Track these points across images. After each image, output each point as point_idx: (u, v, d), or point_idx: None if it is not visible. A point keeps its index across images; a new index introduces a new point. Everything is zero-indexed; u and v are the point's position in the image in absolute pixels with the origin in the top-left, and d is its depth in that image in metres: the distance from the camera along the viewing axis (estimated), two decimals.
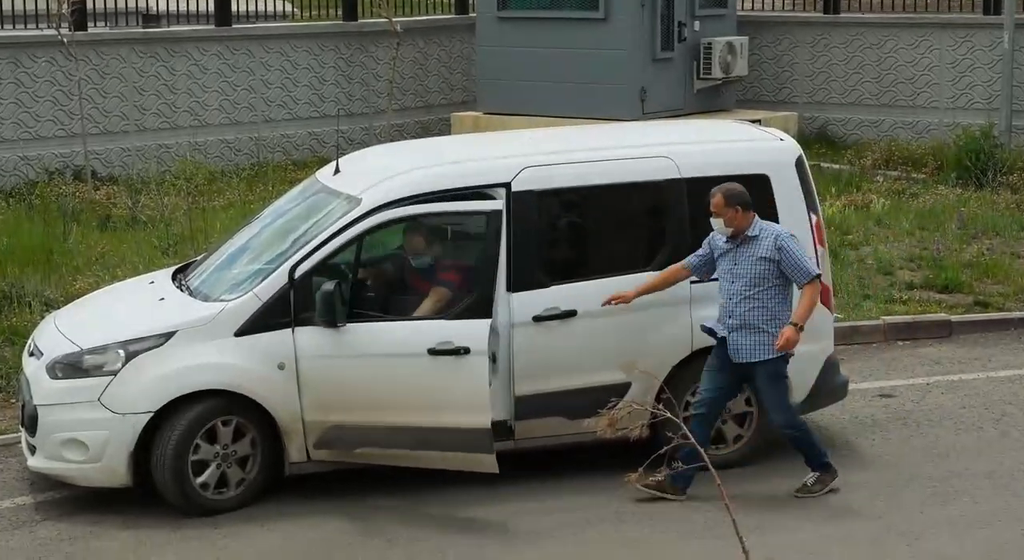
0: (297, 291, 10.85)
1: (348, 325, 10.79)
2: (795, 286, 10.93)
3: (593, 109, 22.11)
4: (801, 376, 11.48)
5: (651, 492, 10.73)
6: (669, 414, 8.36)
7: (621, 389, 11.09)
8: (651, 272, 11.33)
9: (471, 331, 10.69)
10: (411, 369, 10.74)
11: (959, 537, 10.38)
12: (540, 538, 10.41)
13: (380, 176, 11.44)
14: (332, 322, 10.75)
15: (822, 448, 11.13)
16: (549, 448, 11.37)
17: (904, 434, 12.47)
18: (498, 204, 11.01)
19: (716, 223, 10.92)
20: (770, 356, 10.83)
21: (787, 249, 10.81)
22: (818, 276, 10.90)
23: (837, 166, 23.05)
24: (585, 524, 10.60)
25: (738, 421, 11.65)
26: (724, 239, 10.95)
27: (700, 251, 11.14)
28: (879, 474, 11.51)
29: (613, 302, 11.09)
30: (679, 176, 11.51)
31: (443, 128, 24.61)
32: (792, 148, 12.01)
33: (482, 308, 10.84)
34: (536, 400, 11.16)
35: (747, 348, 10.84)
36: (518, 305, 11.08)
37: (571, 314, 11.20)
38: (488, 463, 10.73)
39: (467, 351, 10.64)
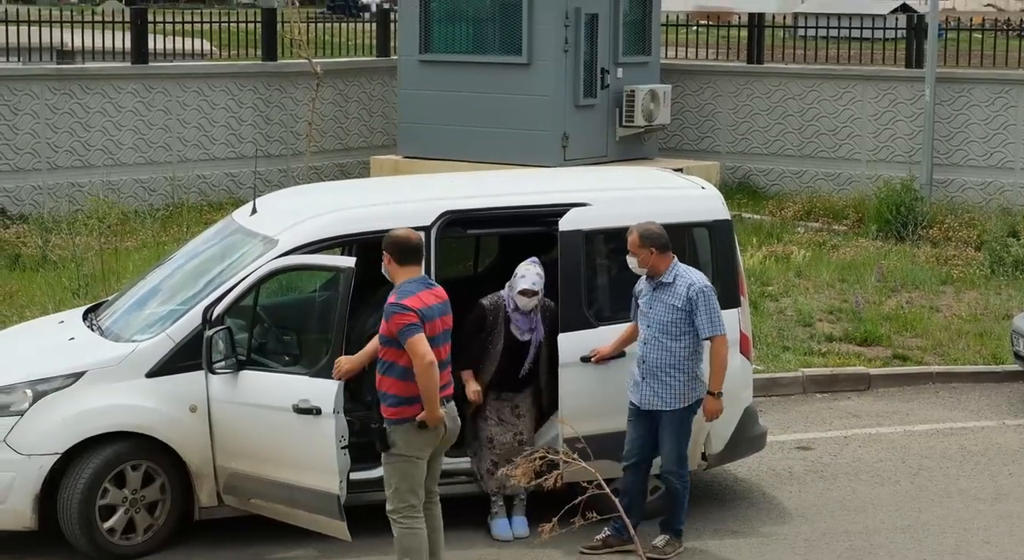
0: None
1: (242, 372, 10.69)
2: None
3: (515, 155, 22.15)
4: (720, 425, 11.52)
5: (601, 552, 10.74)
6: (581, 462, 8.40)
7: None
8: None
9: (323, 390, 10.35)
10: (281, 423, 10.52)
11: None
12: None
13: (299, 217, 11.40)
14: (210, 368, 10.67)
15: (684, 516, 11.00)
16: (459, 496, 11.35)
17: (821, 487, 12.54)
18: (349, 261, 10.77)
19: (631, 261, 10.83)
20: (677, 406, 10.76)
21: (696, 301, 10.71)
22: (723, 335, 10.80)
23: (759, 216, 23.21)
24: None
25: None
26: (646, 282, 10.87)
27: (632, 299, 11.10)
28: (796, 527, 11.56)
29: (593, 359, 11.08)
30: (597, 227, 11.51)
31: (362, 171, 24.60)
32: (714, 196, 12.05)
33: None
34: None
35: (655, 396, 10.75)
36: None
37: None
38: (338, 529, 10.41)
39: (319, 412, 10.32)
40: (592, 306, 11.31)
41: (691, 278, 10.77)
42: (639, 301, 10.91)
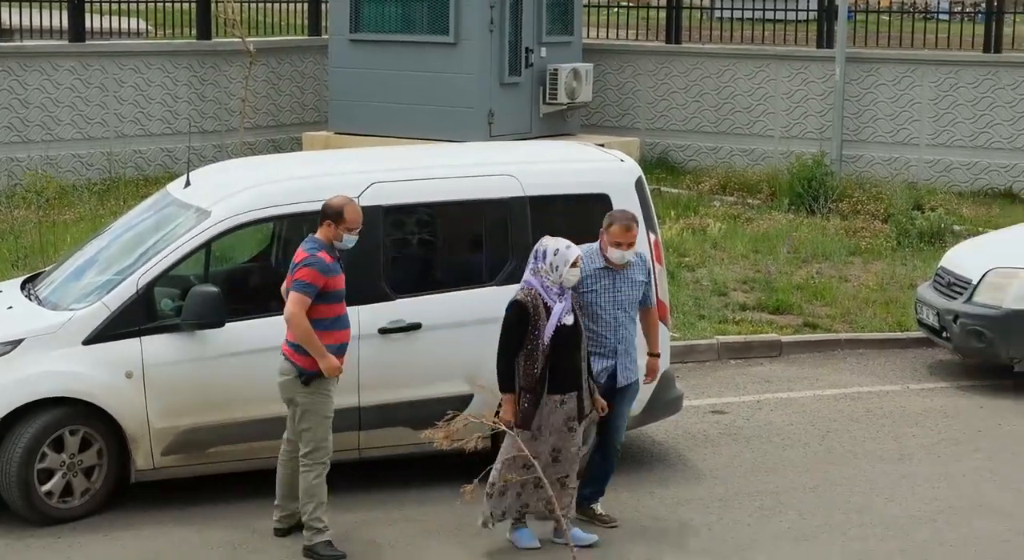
0: (145, 301, 10.76)
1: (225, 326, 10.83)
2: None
3: (442, 131, 22.10)
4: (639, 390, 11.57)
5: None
6: (504, 427, 8.40)
7: (464, 401, 11.09)
8: (494, 287, 11.33)
9: None
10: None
11: (785, 550, 10.51)
12: (380, 549, 10.37)
13: (231, 190, 11.38)
14: (219, 322, 10.77)
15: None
16: (394, 458, 11.35)
17: (735, 449, 12.60)
18: None
19: (623, 254, 10.48)
20: (638, 378, 10.83)
21: (649, 273, 10.74)
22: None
23: (676, 190, 23.27)
24: (427, 535, 10.58)
25: None
26: (598, 265, 10.53)
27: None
28: (710, 488, 11.62)
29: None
30: (523, 194, 11.55)
31: (295, 147, 24.48)
32: (632, 169, 12.11)
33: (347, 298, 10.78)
34: (381, 411, 11.13)
35: (629, 371, 10.65)
36: (365, 317, 11.05)
37: (416, 327, 11.20)
38: (350, 440, 11.01)
39: None
40: (390, 279, 11.29)
41: (639, 253, 10.73)
42: (592, 288, 10.47)
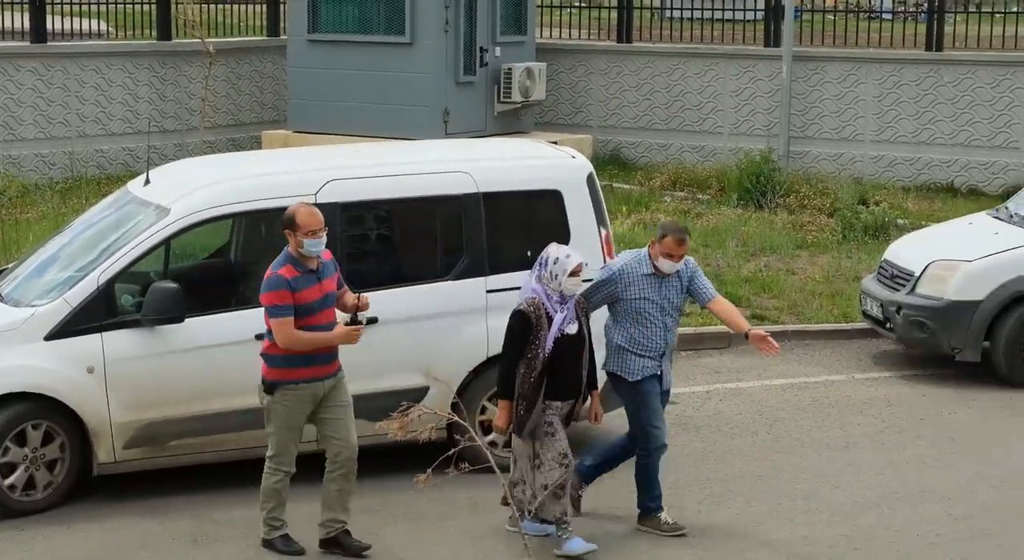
0: (106, 297, 10.73)
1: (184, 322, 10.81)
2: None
3: (399, 129, 22.05)
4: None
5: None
6: (458, 418, 8.41)
7: (420, 393, 11.10)
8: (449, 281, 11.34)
9: None
10: (241, 355, 10.71)
11: (734, 535, 10.55)
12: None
13: (190, 187, 11.37)
14: (179, 318, 10.74)
15: None
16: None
17: (685, 439, 12.64)
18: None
19: (675, 265, 10.33)
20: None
21: (695, 271, 10.56)
22: None
23: (628, 186, 23.30)
24: (383, 524, 10.57)
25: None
26: (646, 271, 10.35)
27: (596, 293, 10.44)
28: (661, 476, 11.62)
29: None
30: (476, 190, 11.57)
31: (254, 145, 24.39)
32: (584, 165, 12.15)
33: None
34: None
35: (670, 373, 10.63)
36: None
37: (373, 321, 11.15)
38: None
39: None
40: (348, 274, 11.19)
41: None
42: (643, 295, 10.31)
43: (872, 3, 29.10)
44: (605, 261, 11.73)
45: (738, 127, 25.04)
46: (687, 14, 27.87)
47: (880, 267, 15.47)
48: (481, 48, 23.48)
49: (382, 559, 10.03)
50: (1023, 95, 23.35)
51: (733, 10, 27.13)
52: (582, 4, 30.42)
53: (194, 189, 11.30)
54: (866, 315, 15.28)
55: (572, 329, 9.96)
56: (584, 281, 10.20)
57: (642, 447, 10.52)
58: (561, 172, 12.00)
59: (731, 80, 25.15)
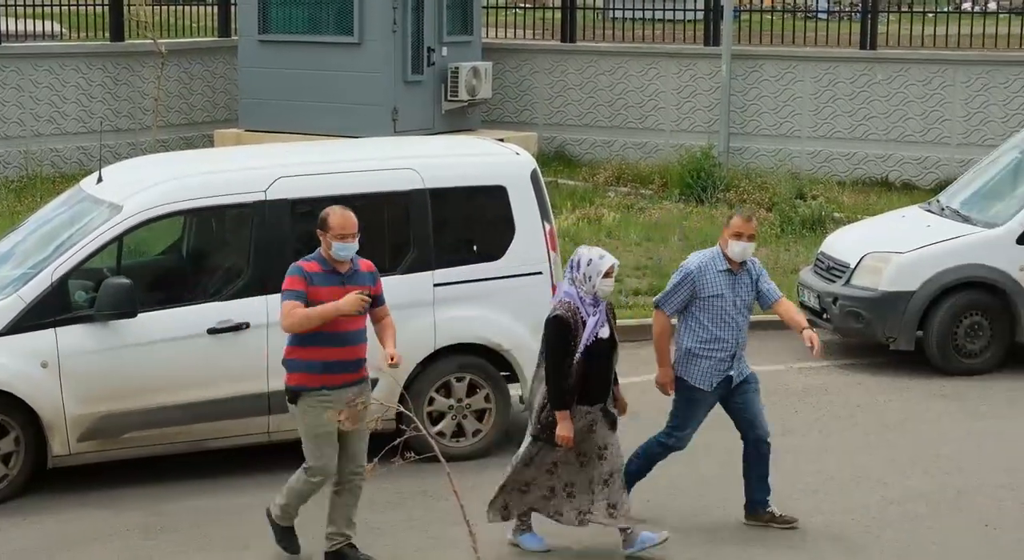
0: (60, 293, 10.67)
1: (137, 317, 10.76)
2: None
3: (349, 128, 21.99)
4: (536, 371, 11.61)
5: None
6: (403, 409, 8.42)
7: (372, 385, 11.06)
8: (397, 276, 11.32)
9: (246, 308, 10.97)
10: (193, 348, 10.80)
11: (675, 520, 10.57)
12: (300, 528, 10.29)
13: (142, 185, 11.33)
14: (132, 313, 10.68)
15: None
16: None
17: (628, 427, 12.50)
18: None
19: (745, 247, 10.10)
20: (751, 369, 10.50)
21: (761, 271, 10.35)
22: None
23: (573, 182, 23.33)
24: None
25: (477, 416, 11.75)
26: (721, 267, 10.16)
27: (674, 295, 10.24)
28: None
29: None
30: (423, 187, 11.56)
31: (207, 144, 24.28)
32: (528, 162, 12.16)
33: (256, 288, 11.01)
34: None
35: (744, 364, 10.36)
36: (273, 306, 10.95)
37: None
38: (260, 425, 11.01)
39: (247, 326, 10.89)
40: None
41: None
42: (720, 292, 10.13)
43: (808, 3, 29.21)
44: (550, 255, 11.76)
45: (679, 124, 25.10)
46: (629, 14, 27.93)
47: (817, 259, 15.55)
48: (428, 48, 23.48)
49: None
50: (954, 92, 23.51)
51: (674, 10, 27.20)
52: (527, 5, 30.43)
53: (146, 187, 11.26)
54: (803, 306, 15.34)
55: (604, 333, 9.62)
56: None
57: (661, 440, 10.49)
58: (506, 168, 12.02)
59: (672, 78, 25.21)
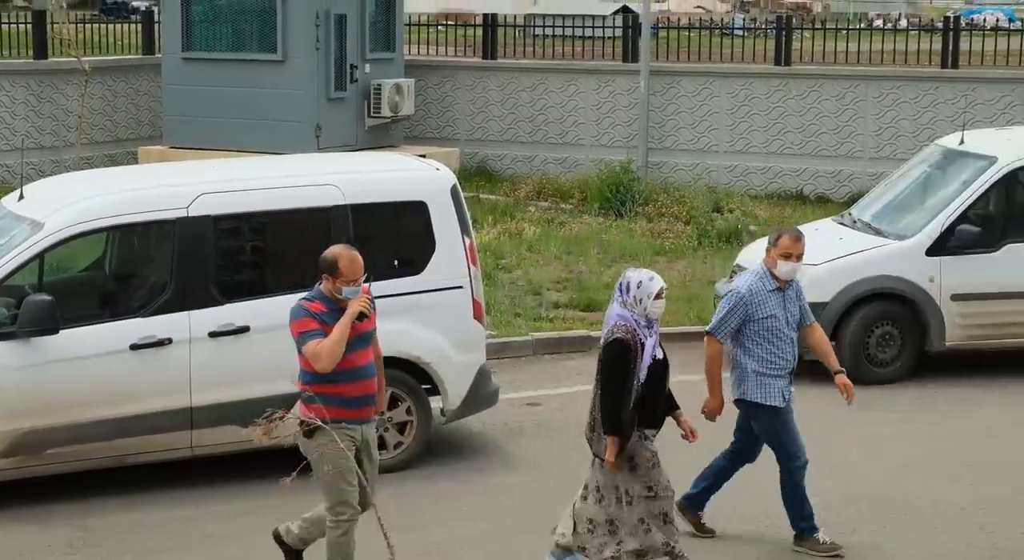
0: None
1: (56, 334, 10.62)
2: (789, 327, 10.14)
3: (273, 144, 21.90)
4: (456, 384, 11.62)
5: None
6: (320, 422, 8.37)
7: (291, 400, 10.97)
8: None
9: (168, 324, 10.88)
10: (115, 364, 10.68)
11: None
12: (214, 542, 10.26)
13: (63, 202, 11.21)
14: (54, 329, 10.55)
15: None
16: (227, 455, 11.23)
17: (549, 439, 12.65)
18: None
19: (793, 267, 9.95)
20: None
21: (801, 292, 10.20)
22: None
23: (494, 197, 23.35)
24: (259, 528, 10.45)
25: (399, 429, 11.71)
26: (771, 287, 9.98)
27: (728, 321, 10.05)
28: (525, 475, 11.66)
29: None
30: (344, 202, 11.51)
31: (131, 161, 24.07)
32: (448, 177, 12.13)
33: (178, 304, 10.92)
34: (212, 410, 11.02)
35: (793, 385, 10.21)
36: (196, 321, 10.95)
37: (244, 330, 11.11)
38: (182, 439, 10.90)
39: (169, 341, 10.80)
40: (219, 284, 11.19)
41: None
42: (773, 313, 9.96)
43: (725, 20, 29.37)
44: (469, 269, 11.73)
45: (599, 139, 25.17)
46: (550, 31, 28.00)
47: (733, 271, 15.59)
48: (351, 65, 23.44)
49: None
50: (866, 107, 23.73)
51: (593, 27, 27.31)
52: (449, 22, 30.41)
53: (68, 203, 11.14)
54: None
55: (660, 354, 9.25)
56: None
57: (789, 467, 10.13)
58: (426, 184, 11.98)
59: (592, 94, 25.29)
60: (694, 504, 10.52)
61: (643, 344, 9.10)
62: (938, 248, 14.47)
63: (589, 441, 9.39)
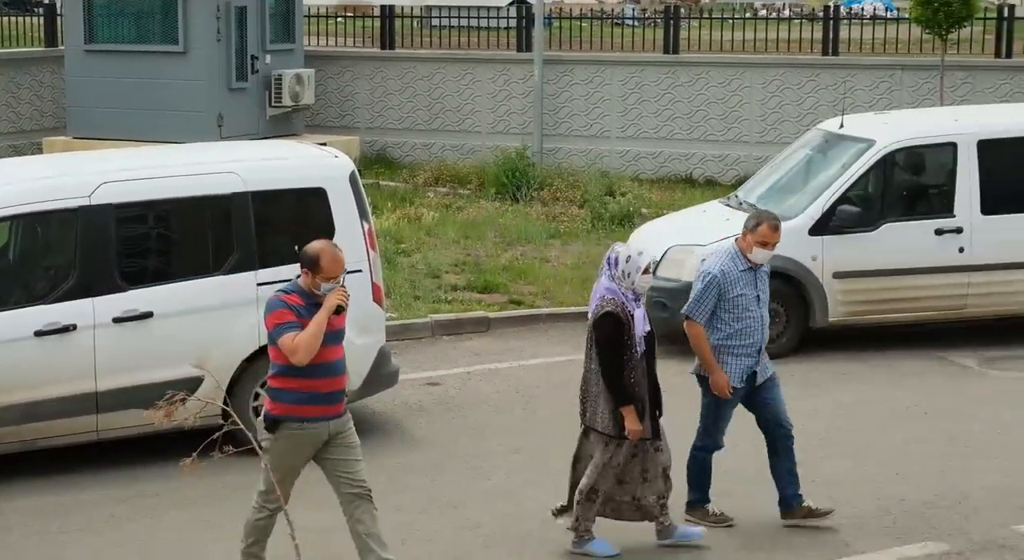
0: None
1: None
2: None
3: (176, 134, 21.70)
4: (357, 365, 11.57)
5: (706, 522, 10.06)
6: (220, 404, 8.34)
7: (195, 383, 10.93)
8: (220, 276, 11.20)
9: (73, 310, 10.79)
10: (20, 351, 10.59)
11: (494, 505, 10.61)
12: (120, 522, 10.20)
13: None
14: None
15: None
16: (132, 438, 11.14)
17: (448, 417, 12.67)
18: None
19: (768, 254, 9.92)
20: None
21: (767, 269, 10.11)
22: None
23: (394, 183, 23.32)
24: (161, 508, 10.42)
25: None
26: (743, 267, 9.88)
27: (704, 302, 9.87)
28: (426, 454, 11.67)
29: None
30: (245, 190, 11.45)
31: (35, 152, 23.75)
32: (346, 164, 12.10)
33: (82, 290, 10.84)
34: (117, 395, 10.93)
35: (767, 365, 10.10)
36: (100, 308, 10.85)
37: (148, 315, 11.04)
38: (87, 424, 10.83)
39: (74, 327, 10.72)
40: (122, 271, 11.11)
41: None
42: (743, 291, 9.86)
43: (616, 10, 29.48)
44: (369, 254, 11.72)
45: (495, 126, 25.20)
46: (446, 22, 27.97)
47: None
48: (252, 56, 23.31)
49: (164, 542, 9.88)
50: (751, 93, 23.94)
51: (488, 18, 27.32)
52: (348, 14, 30.29)
53: None
54: None
55: (648, 326, 9.31)
56: None
57: (702, 444, 10.12)
58: (325, 171, 11.94)
59: (488, 83, 25.30)
60: (791, 501, 10.17)
61: (632, 315, 9.16)
62: (820, 228, 14.62)
63: (581, 415, 9.51)
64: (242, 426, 7.96)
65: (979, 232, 14.78)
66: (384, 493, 10.64)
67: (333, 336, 8.65)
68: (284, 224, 11.80)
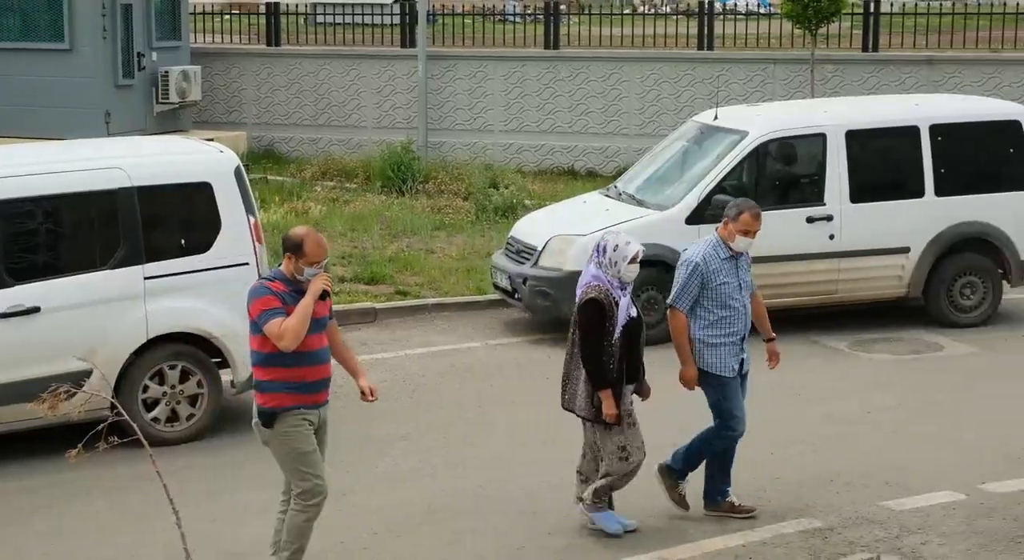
0: None
1: None
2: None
3: (63, 131, 21.23)
4: (245, 357, 11.29)
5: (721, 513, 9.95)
6: (104, 395, 8.24)
7: (84, 376, 10.77)
8: (107, 271, 11.04)
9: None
10: None
11: (380, 490, 10.57)
12: (36, 510, 10.03)
13: None
14: None
15: None
16: (21, 432, 10.96)
17: (335, 406, 12.33)
18: None
19: (748, 242, 9.78)
20: None
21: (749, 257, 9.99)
22: None
23: (282, 178, 23.13)
24: (70, 496, 10.27)
25: (191, 402, 11.56)
26: (724, 256, 9.75)
27: (688, 290, 9.70)
28: None
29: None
30: (130, 185, 11.30)
31: None
32: (231, 159, 11.98)
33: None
34: (6, 389, 10.75)
35: (749, 355, 9.95)
36: None
37: (35, 310, 10.85)
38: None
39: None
40: (8, 267, 10.93)
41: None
42: (725, 280, 9.71)
43: (498, 7, 29.50)
44: (255, 247, 11.62)
45: (380, 121, 25.11)
46: (331, 19, 27.81)
47: (507, 243, 15.70)
48: (138, 53, 23.04)
49: (54, 533, 9.73)
50: (630, 87, 24.06)
51: (373, 15, 27.20)
52: (235, 11, 30.00)
53: None
54: (497, 287, 15.50)
55: (634, 311, 9.31)
56: None
57: (722, 434, 9.86)
58: (210, 166, 11.83)
59: (373, 79, 25.20)
60: (716, 496, 10.07)
61: (617, 303, 9.18)
62: (697, 217, 14.70)
63: (561, 397, 9.55)
64: (125, 415, 7.84)
65: (848, 220, 14.96)
66: (270, 482, 10.55)
67: (317, 324, 8.43)
68: (170, 219, 11.67)
